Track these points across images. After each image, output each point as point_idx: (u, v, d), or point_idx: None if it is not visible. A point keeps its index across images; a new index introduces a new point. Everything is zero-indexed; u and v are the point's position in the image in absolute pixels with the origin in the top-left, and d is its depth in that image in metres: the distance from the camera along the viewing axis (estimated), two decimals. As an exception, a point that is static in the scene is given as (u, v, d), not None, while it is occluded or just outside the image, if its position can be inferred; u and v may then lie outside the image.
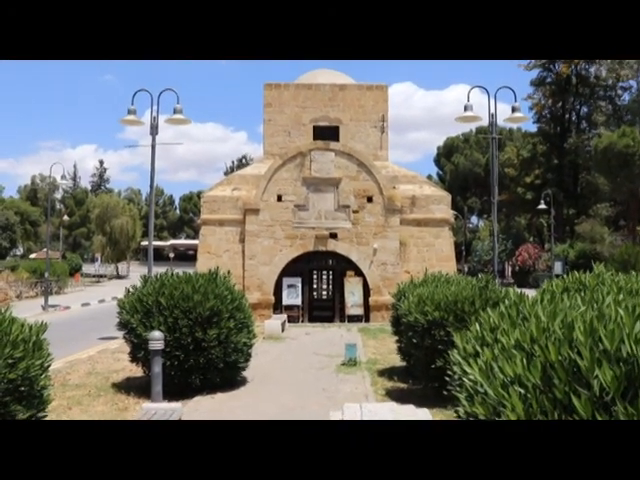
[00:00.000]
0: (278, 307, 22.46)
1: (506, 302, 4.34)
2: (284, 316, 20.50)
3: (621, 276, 6.59)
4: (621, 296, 4.45)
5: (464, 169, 67.23)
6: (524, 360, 3.01)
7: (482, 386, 3.10)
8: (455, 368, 3.86)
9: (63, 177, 27.88)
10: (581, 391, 2.60)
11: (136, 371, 11.37)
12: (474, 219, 74.93)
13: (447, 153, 72.39)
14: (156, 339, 8.91)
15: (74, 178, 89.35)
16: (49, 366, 5.81)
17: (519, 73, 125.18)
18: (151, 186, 15.24)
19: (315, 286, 24.42)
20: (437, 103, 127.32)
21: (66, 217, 57.91)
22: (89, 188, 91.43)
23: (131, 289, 10.60)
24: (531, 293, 5.27)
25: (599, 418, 2.46)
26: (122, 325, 10.20)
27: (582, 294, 4.71)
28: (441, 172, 74.14)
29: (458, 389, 3.54)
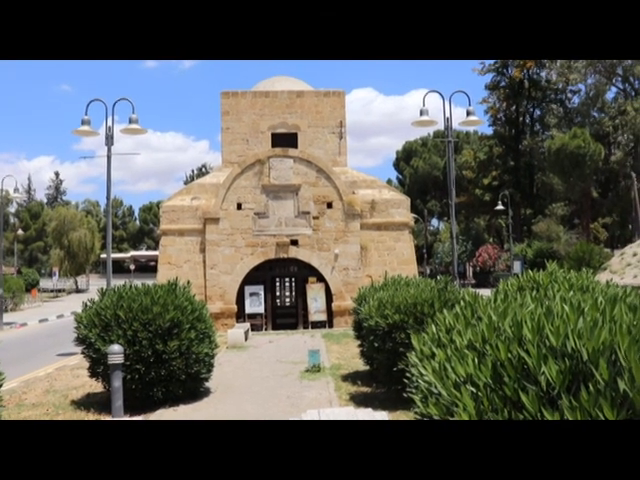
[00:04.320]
0: (241, 316, 22.32)
1: (461, 303, 4.40)
2: (247, 325, 20.38)
3: (572, 273, 6.79)
4: (571, 293, 4.58)
5: (423, 173, 68.14)
6: (475, 360, 3.06)
7: (436, 387, 3.13)
8: (413, 370, 3.89)
9: (16, 190, 27.07)
10: (529, 387, 2.66)
11: (96, 387, 11.13)
12: (434, 222, 75.99)
13: (406, 157, 73.22)
14: (115, 353, 8.74)
15: (28, 191, 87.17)
16: (1, 386, 5.63)
17: (474, 77, 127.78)
18: (108, 197, 15.03)
19: (278, 293, 24.38)
20: (397, 108, 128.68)
21: (21, 231, 56.49)
22: (45, 201, 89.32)
23: (89, 303, 10.38)
24: (490, 293, 5.35)
25: (545, 413, 2.51)
26: (80, 340, 9.96)
27: (535, 292, 4.82)
28: (401, 176, 74.93)
29: (414, 391, 3.57)
